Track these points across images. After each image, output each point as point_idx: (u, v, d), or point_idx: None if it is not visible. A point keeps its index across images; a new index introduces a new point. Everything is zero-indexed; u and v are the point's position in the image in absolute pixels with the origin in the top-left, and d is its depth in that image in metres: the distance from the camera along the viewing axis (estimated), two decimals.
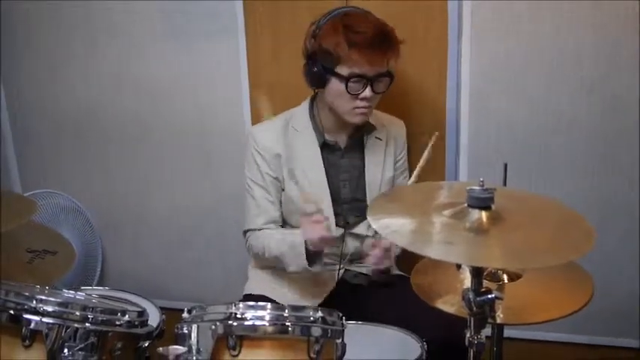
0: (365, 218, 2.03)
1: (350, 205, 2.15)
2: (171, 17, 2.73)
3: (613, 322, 2.62)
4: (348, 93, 1.98)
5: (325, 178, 2.12)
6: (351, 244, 2.16)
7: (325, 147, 2.14)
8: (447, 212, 1.37)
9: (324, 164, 2.13)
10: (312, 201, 2.03)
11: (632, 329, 2.59)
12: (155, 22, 2.75)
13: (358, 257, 2.17)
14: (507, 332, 2.49)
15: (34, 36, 2.93)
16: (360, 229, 2.17)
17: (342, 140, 2.15)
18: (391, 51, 1.99)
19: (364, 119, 2.07)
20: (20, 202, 1.85)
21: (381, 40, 1.96)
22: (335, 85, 1.99)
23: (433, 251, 1.27)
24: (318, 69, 2.00)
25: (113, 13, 2.78)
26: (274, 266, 2.15)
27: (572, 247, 1.30)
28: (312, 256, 2.00)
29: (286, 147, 2.12)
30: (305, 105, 2.17)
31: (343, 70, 1.97)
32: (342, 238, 2.14)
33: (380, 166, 2.18)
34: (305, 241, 1.98)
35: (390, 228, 1.37)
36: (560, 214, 1.46)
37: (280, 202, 2.16)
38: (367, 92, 1.98)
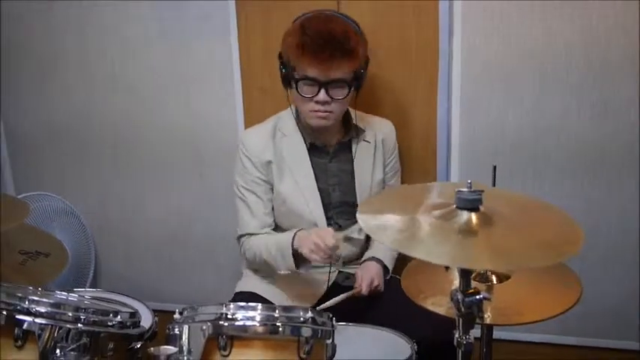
0: (356, 221, 2.05)
1: (340, 208, 2.16)
2: (164, 19, 2.73)
3: (613, 325, 2.63)
4: (301, 95, 1.98)
5: (315, 182, 2.11)
6: (343, 247, 2.15)
7: (313, 150, 2.13)
8: (436, 213, 1.37)
9: (312, 168, 2.12)
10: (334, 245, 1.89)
11: (631, 331, 2.59)
12: (148, 24, 2.76)
13: (350, 260, 2.19)
14: (503, 334, 2.54)
15: (27, 38, 2.92)
16: (352, 232, 2.17)
17: (330, 144, 2.15)
18: (341, 57, 1.91)
19: (323, 123, 2.03)
20: (13, 205, 1.85)
21: (328, 44, 1.90)
22: (294, 87, 2.00)
23: (420, 252, 1.27)
24: (285, 71, 2.01)
25: (105, 15, 2.79)
26: (268, 270, 2.15)
27: (560, 249, 1.30)
28: (299, 257, 2.00)
29: (275, 151, 2.11)
30: (292, 108, 2.15)
31: (296, 72, 1.97)
32: None
33: (369, 170, 2.18)
34: (292, 244, 1.98)
35: (379, 229, 1.37)
36: (549, 215, 1.46)
37: (272, 206, 2.15)
38: (321, 96, 1.95)
